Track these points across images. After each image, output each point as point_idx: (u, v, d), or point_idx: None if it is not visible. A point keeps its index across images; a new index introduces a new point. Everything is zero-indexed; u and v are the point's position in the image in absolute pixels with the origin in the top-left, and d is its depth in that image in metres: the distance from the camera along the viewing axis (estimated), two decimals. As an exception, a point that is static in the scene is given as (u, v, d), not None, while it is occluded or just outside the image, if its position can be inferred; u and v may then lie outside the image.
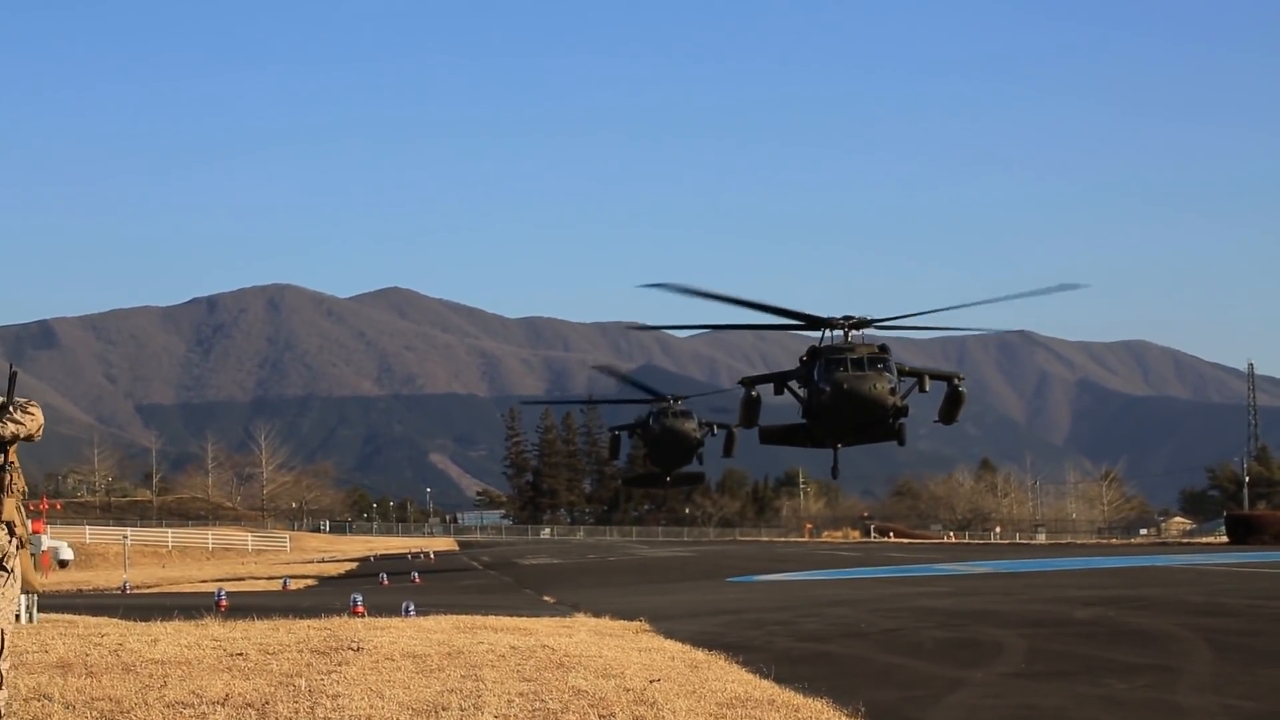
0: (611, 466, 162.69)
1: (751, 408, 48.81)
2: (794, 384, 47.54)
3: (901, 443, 47.04)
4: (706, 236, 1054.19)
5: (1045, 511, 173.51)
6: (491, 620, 19.79)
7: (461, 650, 15.09)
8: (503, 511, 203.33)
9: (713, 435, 65.43)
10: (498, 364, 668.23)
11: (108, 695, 11.51)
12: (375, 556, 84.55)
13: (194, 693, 11.61)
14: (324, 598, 31.27)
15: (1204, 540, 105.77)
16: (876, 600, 26.09)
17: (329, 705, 11.01)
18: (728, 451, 64.57)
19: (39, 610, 23.10)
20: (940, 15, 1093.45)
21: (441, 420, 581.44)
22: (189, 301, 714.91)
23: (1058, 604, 23.52)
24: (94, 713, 10.82)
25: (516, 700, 11.31)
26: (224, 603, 26.95)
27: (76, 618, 22.64)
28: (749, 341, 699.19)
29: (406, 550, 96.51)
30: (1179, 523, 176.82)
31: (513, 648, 15.44)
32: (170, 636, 16.80)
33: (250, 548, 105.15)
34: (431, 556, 78.70)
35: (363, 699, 11.30)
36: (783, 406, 49.07)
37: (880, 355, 44.91)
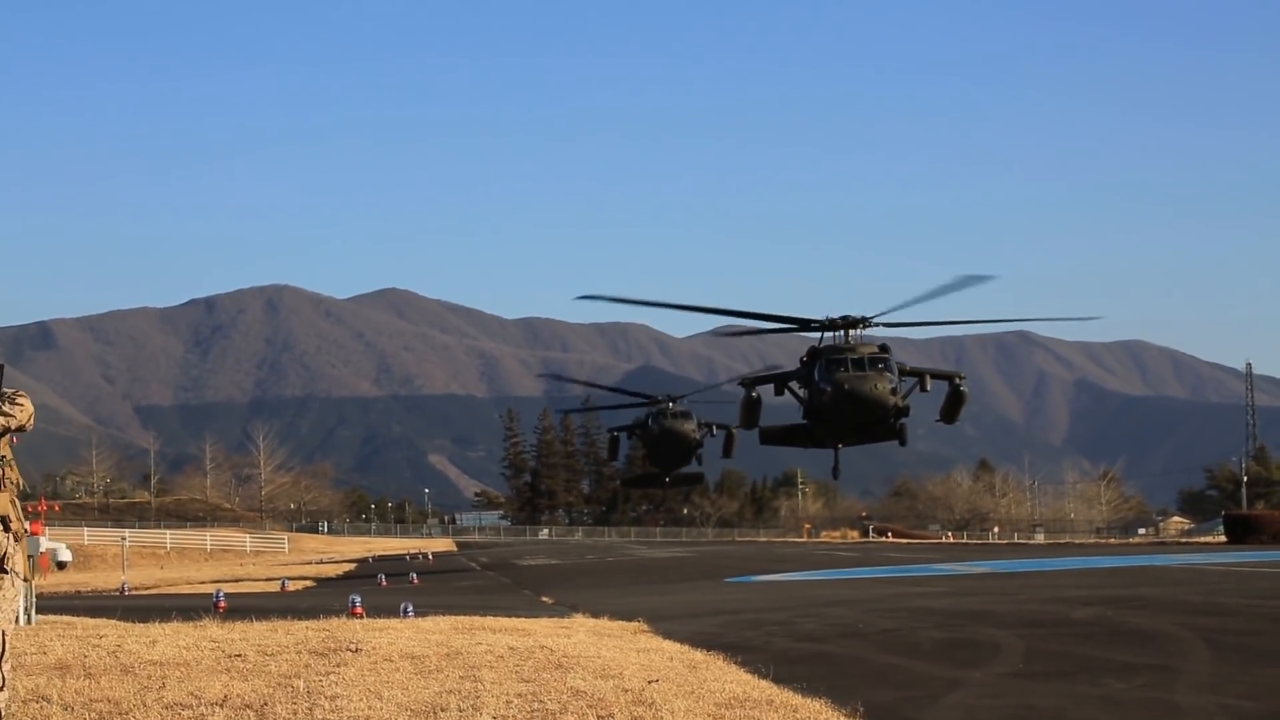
0: (610, 467, 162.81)
1: (752, 409, 48.79)
2: (794, 384, 47.55)
3: (903, 443, 47.04)
4: (706, 237, 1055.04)
5: (1043, 512, 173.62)
6: (490, 621, 19.79)
7: (460, 651, 15.09)
8: (501, 512, 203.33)
9: (712, 436, 65.50)
10: (496, 364, 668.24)
11: (106, 697, 11.51)
12: (373, 558, 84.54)
13: (192, 694, 11.61)
14: (322, 599, 31.27)
15: (1202, 540, 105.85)
16: (874, 600, 26.11)
17: (327, 706, 11.00)
18: (727, 452, 64.63)
19: (38, 612, 23.10)
20: (939, 15, 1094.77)
21: (440, 421, 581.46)
22: (187, 302, 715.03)
23: (1056, 604, 23.53)
24: (92, 714, 10.82)
25: (515, 701, 11.31)
26: (222, 604, 26.96)
27: (75, 619, 22.64)
28: (747, 341, 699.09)
29: (405, 551, 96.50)
30: (1177, 522, 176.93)
31: (511, 648, 15.44)
32: (169, 638, 16.80)
33: (248, 549, 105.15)
34: (430, 557, 78.71)
35: (361, 700, 11.30)
36: (781, 406, 49.10)
37: (881, 355, 44.86)
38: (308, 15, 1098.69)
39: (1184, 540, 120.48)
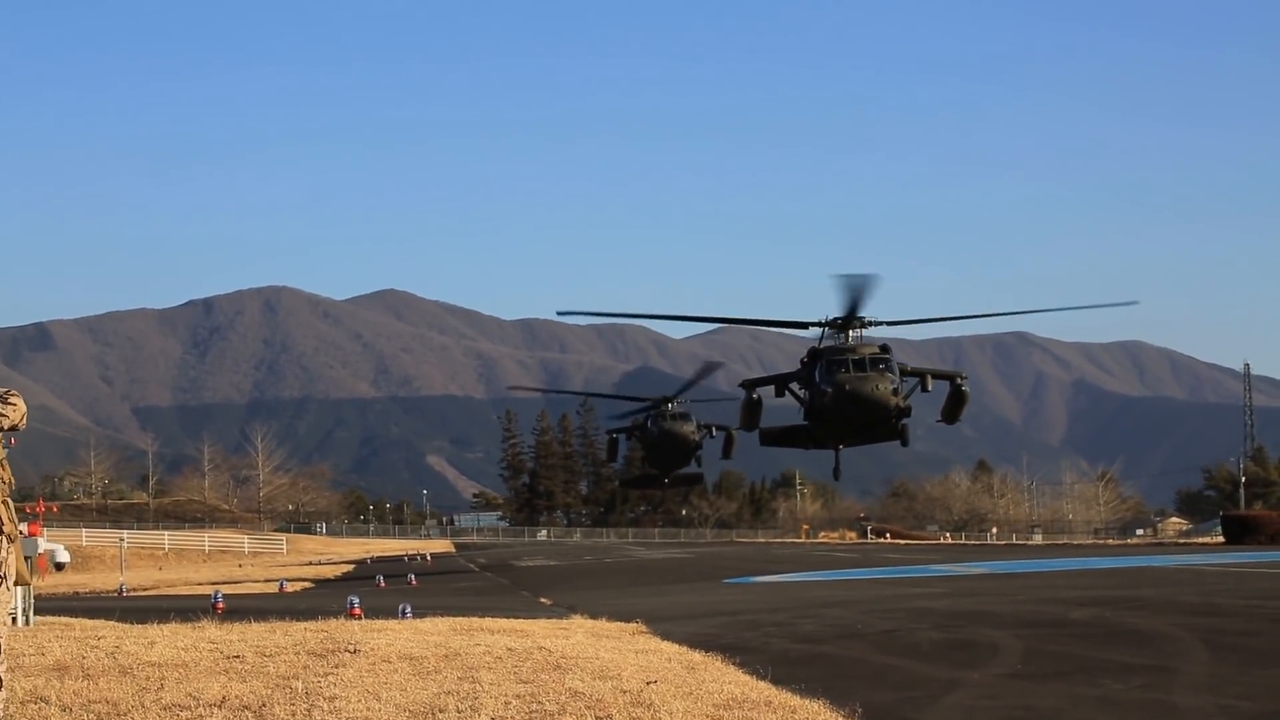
0: (608, 468, 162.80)
1: (753, 411, 48.73)
2: (795, 386, 47.49)
3: (905, 443, 46.99)
4: (705, 237, 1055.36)
5: (1041, 512, 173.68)
6: (488, 622, 19.79)
7: (458, 652, 15.09)
8: (499, 513, 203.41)
9: (711, 437, 65.47)
10: (494, 366, 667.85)
11: (104, 698, 11.51)
12: (372, 559, 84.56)
13: (191, 695, 11.61)
14: (321, 600, 31.29)
15: (1200, 540, 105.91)
16: (873, 601, 26.12)
17: (326, 707, 11.01)
18: (726, 453, 64.62)
19: (36, 613, 23.10)
20: (939, 15, 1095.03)
21: (438, 422, 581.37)
22: (185, 304, 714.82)
23: (1054, 605, 23.55)
24: (91, 715, 10.82)
25: (513, 702, 11.31)
26: (221, 605, 26.97)
27: (73, 620, 22.65)
28: (745, 343, 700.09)
29: (403, 552, 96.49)
30: (1175, 523, 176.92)
31: (509, 649, 15.45)
32: (167, 639, 16.80)
33: (247, 550, 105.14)
34: (428, 558, 78.70)
35: (360, 701, 11.30)
36: (780, 407, 49.08)
37: (882, 355, 44.77)
38: (305, 17, 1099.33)
39: (1182, 541, 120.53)
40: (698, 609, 25.91)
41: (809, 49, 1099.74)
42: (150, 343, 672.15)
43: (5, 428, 8.71)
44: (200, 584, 50.79)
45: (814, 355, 45.92)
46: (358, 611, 22.41)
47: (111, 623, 21.42)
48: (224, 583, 47.48)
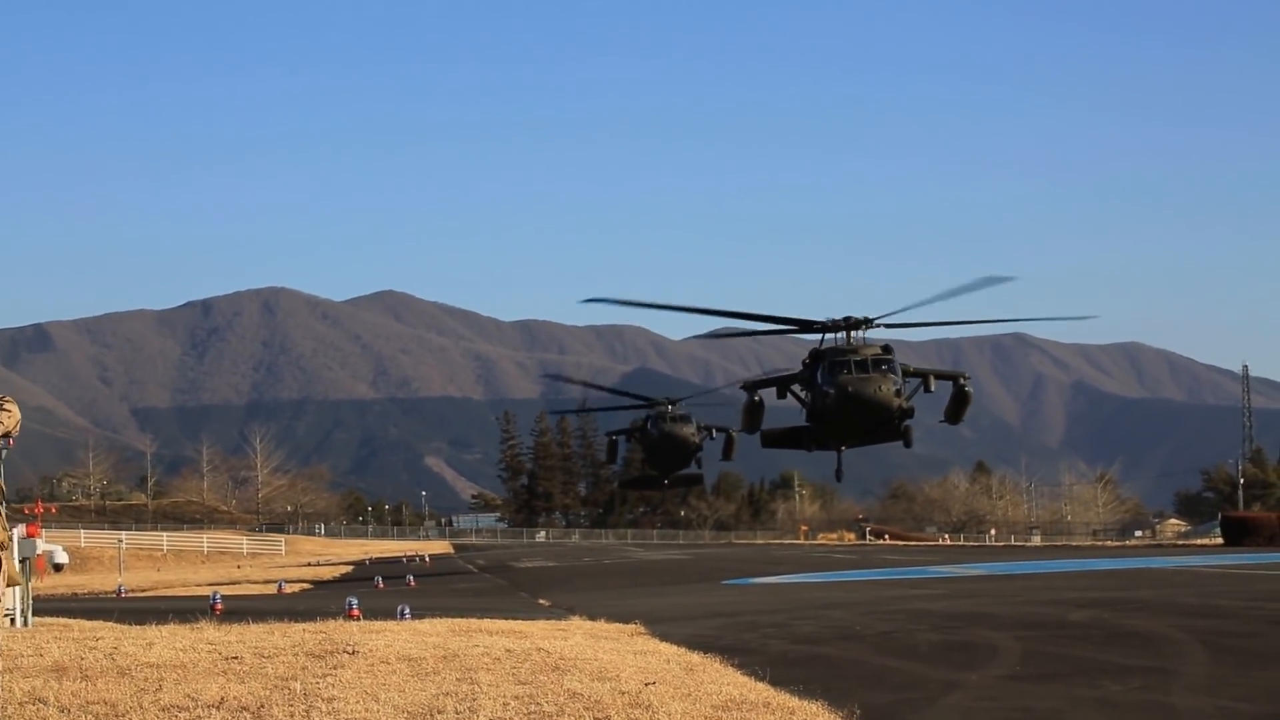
0: (607, 469, 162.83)
1: (754, 413, 48.67)
2: (796, 387, 47.46)
3: (908, 444, 46.96)
4: (706, 237, 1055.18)
5: (1040, 514, 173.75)
6: (487, 623, 19.79)
7: (457, 653, 15.09)
8: (498, 514, 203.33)
9: (711, 439, 65.48)
10: (493, 367, 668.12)
11: (103, 699, 11.50)
12: (370, 560, 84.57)
13: (189, 696, 11.60)
14: (319, 601, 31.28)
15: (1199, 542, 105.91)
16: (871, 603, 26.12)
17: (324, 709, 11.00)
18: (727, 455, 64.63)
19: (34, 614, 23.09)
20: (939, 15, 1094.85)
21: (437, 423, 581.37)
22: (183, 305, 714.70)
23: (1053, 606, 23.54)
24: (89, 716, 10.81)
25: (512, 703, 11.31)
26: (219, 606, 26.97)
27: (71, 621, 22.64)
28: (744, 344, 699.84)
29: (402, 553, 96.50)
30: (1174, 524, 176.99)
31: (508, 651, 15.44)
32: (165, 640, 16.79)
33: (245, 551, 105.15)
34: (427, 560, 78.70)
35: (358, 702, 11.30)
36: (780, 408, 49.06)
37: (884, 356, 44.73)
38: (304, 18, 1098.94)
39: (1181, 542, 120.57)
40: (696, 610, 25.90)
41: (809, 49, 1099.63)
42: (149, 344, 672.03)
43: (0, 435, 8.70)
44: (199, 585, 50.79)
45: (816, 357, 45.91)
46: (356, 613, 22.41)
47: (110, 624, 21.41)
48: (222, 584, 47.47)
